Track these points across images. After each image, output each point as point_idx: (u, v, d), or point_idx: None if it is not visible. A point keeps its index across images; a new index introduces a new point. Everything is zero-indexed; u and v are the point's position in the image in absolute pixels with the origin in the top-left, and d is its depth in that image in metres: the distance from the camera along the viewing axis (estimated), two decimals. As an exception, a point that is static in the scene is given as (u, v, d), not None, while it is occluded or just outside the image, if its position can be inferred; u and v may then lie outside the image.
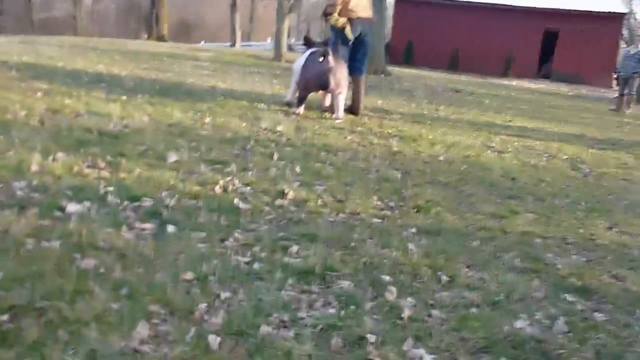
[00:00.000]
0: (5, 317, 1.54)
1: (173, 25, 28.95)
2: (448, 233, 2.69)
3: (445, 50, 22.26)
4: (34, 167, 2.81)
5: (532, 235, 2.86)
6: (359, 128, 5.18)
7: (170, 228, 2.27)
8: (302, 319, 1.74)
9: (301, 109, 5.45)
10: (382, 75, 11.13)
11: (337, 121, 5.31)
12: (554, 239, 2.85)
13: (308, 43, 6.08)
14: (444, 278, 2.18)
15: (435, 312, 1.89)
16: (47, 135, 3.50)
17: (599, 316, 2.04)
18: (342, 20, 5.46)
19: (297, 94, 5.67)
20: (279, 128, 4.61)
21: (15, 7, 34.04)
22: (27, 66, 6.70)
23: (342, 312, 1.79)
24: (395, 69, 14.29)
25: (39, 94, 4.83)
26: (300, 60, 5.69)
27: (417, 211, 2.97)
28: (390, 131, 5.23)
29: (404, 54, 22.29)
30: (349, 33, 5.52)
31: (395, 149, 4.48)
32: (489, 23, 22.26)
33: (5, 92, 4.73)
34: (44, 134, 3.52)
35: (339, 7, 5.42)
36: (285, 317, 1.73)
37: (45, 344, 1.45)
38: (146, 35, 22.93)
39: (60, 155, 3.06)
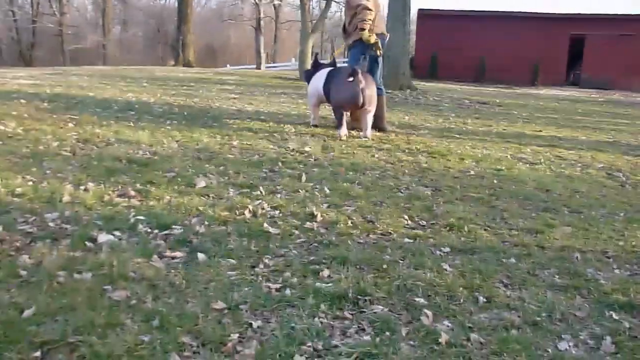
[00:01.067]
0: (37, 353, 1.54)
1: (199, 50, 29.48)
2: (483, 251, 2.62)
3: (470, 62, 22.11)
4: (66, 198, 2.85)
5: (570, 249, 2.76)
6: (387, 145, 5.14)
7: (201, 256, 2.25)
8: (336, 347, 1.70)
9: (344, 130, 5.34)
10: (408, 91, 11.06)
11: (364, 139, 5.28)
12: (593, 253, 2.75)
13: (316, 64, 6.05)
14: (481, 299, 2.11)
15: (474, 336, 1.82)
16: (78, 165, 3.56)
17: (648, 335, 1.94)
18: (374, 36, 5.47)
19: (317, 114, 5.74)
20: (307, 148, 4.60)
21: (47, 40, 35.22)
22: (59, 97, 6.88)
23: (377, 339, 1.74)
24: (420, 84, 14.22)
25: (70, 124, 4.94)
26: (315, 82, 5.68)
27: (449, 229, 2.90)
28: (418, 147, 5.17)
29: (428, 68, 22.20)
30: (379, 49, 5.53)
31: (424, 165, 4.42)
32: (514, 32, 22.04)
33: (37, 123, 4.84)
34: (75, 164, 3.58)
35: (370, 23, 5.43)
36: (319, 346, 1.69)
37: (77, 381, 1.44)
38: (173, 62, 23.38)
39: (91, 185, 3.11)
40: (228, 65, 27.60)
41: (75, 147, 4.05)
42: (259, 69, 23.93)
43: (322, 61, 6.23)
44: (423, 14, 23.76)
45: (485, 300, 2.10)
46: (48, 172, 3.33)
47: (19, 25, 35.06)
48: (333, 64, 5.93)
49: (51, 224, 2.51)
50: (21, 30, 35.14)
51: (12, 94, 6.88)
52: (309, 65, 15.70)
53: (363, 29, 5.43)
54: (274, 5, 34.82)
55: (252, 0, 29.63)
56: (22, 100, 6.28)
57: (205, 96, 8.28)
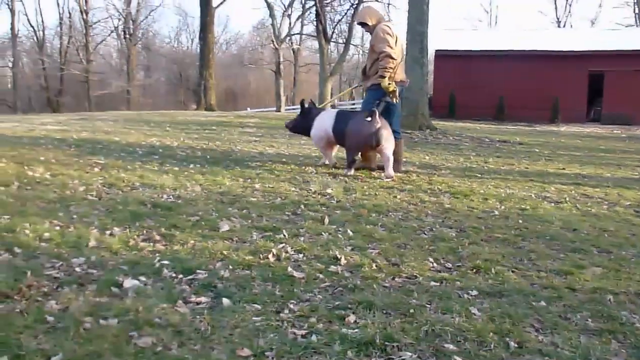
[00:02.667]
0: (64, 402, 1.53)
1: (220, 94, 30.06)
2: (511, 294, 2.56)
3: (489, 101, 22.17)
4: (92, 243, 2.88)
5: (602, 291, 2.68)
6: (408, 186, 5.12)
7: (225, 301, 2.24)
8: (365, 395, 1.66)
9: (352, 171, 5.51)
10: (427, 130, 11.09)
11: (386, 179, 5.28)
12: (627, 295, 2.67)
13: (306, 110, 5.98)
14: (512, 344, 2.05)
15: (506, 384, 1.77)
16: (103, 209, 3.60)
17: (690, 382, 1.86)
18: (393, 85, 5.49)
19: (331, 153, 5.95)
20: (328, 190, 4.60)
21: (74, 87, 36.38)
22: (85, 142, 7.04)
23: (407, 387, 1.70)
24: (439, 123, 14.26)
25: (96, 169, 5.04)
26: (322, 124, 5.70)
27: (476, 271, 2.85)
28: (440, 187, 5.15)
29: (447, 107, 22.30)
30: (396, 97, 5.57)
31: (447, 205, 4.39)
32: (532, 70, 22.11)
33: (64, 168, 4.94)
34: (100, 208, 3.63)
35: (390, 71, 5.45)
36: (347, 395, 1.65)
37: None
38: (195, 106, 23.86)
39: (116, 229, 3.14)
40: (248, 109, 28.04)
41: (101, 191, 4.11)
42: (279, 111, 24.28)
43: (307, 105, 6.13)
44: (440, 54, 24.03)
45: (516, 345, 2.04)
46: (74, 216, 3.38)
47: (47, 72, 36.36)
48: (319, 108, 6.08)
49: (77, 269, 2.53)
50: (49, 78, 36.41)
51: (40, 140, 7.06)
52: (328, 107, 15.89)
53: (383, 77, 5.42)
54: (293, 49, 35.65)
55: (272, 45, 30.33)
56: (50, 146, 6.43)
57: (227, 139, 8.39)
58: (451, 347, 1.99)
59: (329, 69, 15.71)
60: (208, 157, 6.25)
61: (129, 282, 2.38)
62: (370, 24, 5.71)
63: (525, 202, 4.74)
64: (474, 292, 2.55)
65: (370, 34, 5.84)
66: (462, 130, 13.21)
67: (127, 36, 39.29)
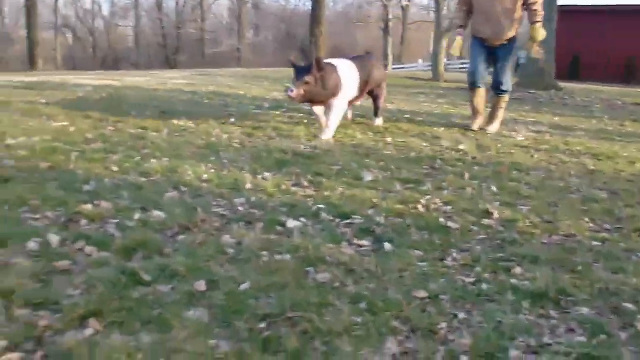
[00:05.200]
0: (263, 325, 1.64)
1: (328, 52, 30.05)
2: (686, 259, 2.39)
3: (617, 61, 20.41)
4: (248, 185, 3.03)
5: None
6: (544, 146, 4.88)
7: (387, 246, 2.28)
8: (550, 345, 1.63)
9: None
10: (553, 91, 10.47)
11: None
12: None
13: (319, 65, 4.67)
14: (699, 310, 1.92)
15: (700, 348, 1.66)
16: (249, 156, 3.77)
17: None
18: None
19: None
20: (461, 147, 4.50)
21: (189, 45, 38.00)
22: (215, 95, 7.36)
23: (594, 341, 1.65)
24: (562, 84, 13.38)
25: (232, 119, 5.25)
26: (353, 78, 4.87)
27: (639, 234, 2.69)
28: (579, 149, 4.86)
29: (569, 68, 20.82)
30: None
31: (592, 167, 4.14)
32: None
33: (204, 118, 5.20)
34: (246, 155, 3.80)
35: None
36: (532, 342, 1.63)
37: (306, 354, 1.51)
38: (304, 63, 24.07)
39: (267, 174, 3.28)
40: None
41: (243, 140, 4.30)
42: (386, 69, 23.91)
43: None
44: (563, 10, 22.31)
45: None
46: (225, 161, 3.57)
47: (165, 32, 38.22)
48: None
49: (240, 209, 2.68)
50: (167, 37, 38.27)
51: (174, 92, 7.47)
52: (443, 65, 15.39)
53: (539, 22, 5.13)
54: (402, 6, 34.67)
55: (380, 2, 29.72)
56: (184, 98, 6.79)
57: (345, 95, 8.40)
58: (631, 306, 1.90)
59: (444, 26, 15.12)
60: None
61: (292, 223, 2.48)
62: None
63: (679, 168, 4.36)
64: (644, 255, 2.40)
65: None
66: (589, 92, 12.32)
67: (238, -5, 40.13)
